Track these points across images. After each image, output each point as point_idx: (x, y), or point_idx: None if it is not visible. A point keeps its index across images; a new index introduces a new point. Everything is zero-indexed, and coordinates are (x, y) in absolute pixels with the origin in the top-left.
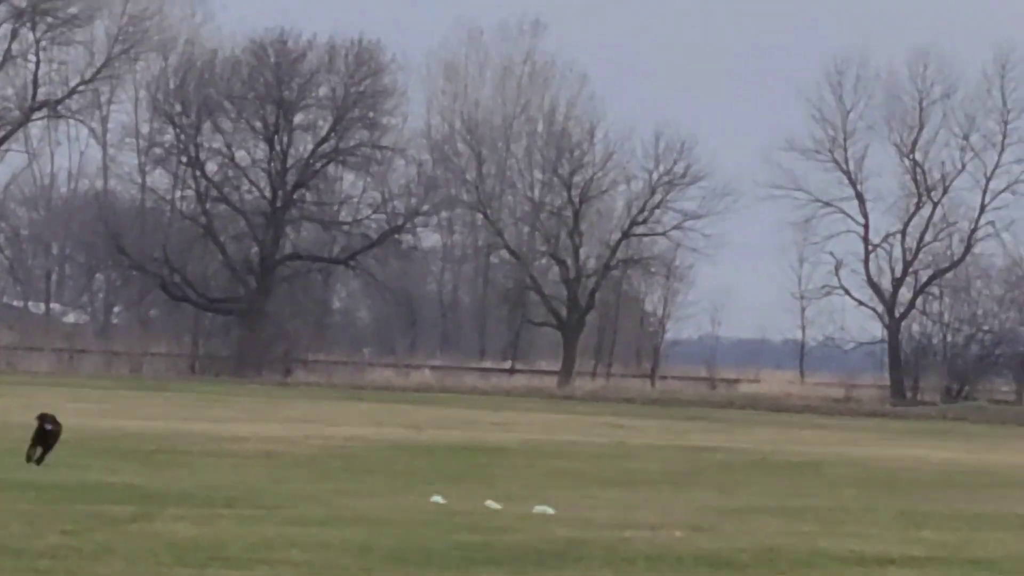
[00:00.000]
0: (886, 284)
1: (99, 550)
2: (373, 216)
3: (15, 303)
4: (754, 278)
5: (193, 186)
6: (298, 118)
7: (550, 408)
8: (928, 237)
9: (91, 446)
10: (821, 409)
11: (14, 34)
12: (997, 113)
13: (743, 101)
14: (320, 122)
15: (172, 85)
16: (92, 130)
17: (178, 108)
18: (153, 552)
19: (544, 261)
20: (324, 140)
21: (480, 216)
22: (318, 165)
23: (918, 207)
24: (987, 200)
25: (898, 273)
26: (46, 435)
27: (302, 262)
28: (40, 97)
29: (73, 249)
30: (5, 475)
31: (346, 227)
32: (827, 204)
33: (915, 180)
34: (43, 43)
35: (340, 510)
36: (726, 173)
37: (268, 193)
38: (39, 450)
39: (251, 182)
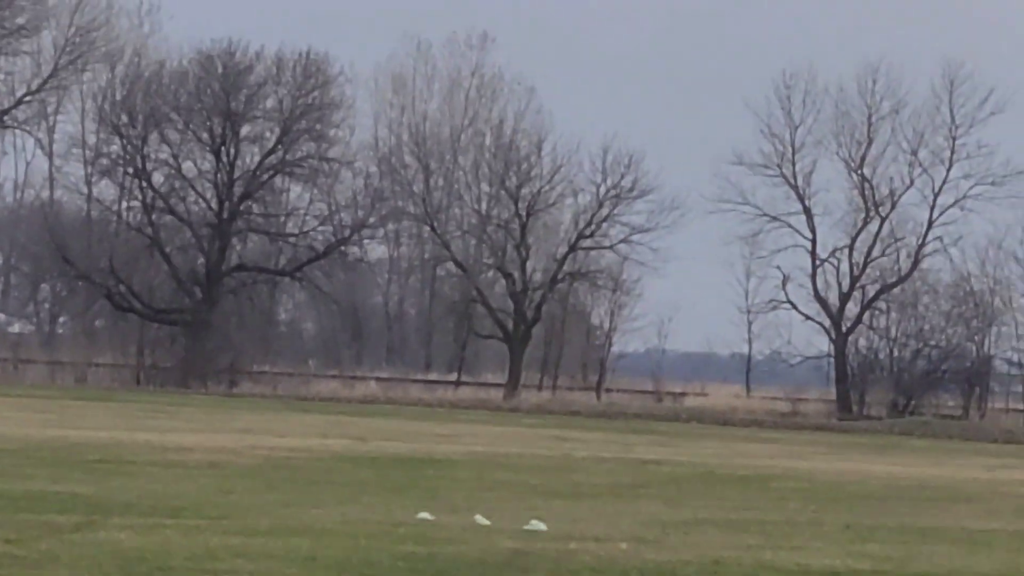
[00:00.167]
0: (833, 299)
1: (43, 559)
2: (320, 228)
3: None
4: (701, 292)
5: (140, 197)
6: (245, 130)
7: (496, 420)
8: (876, 252)
9: (35, 455)
10: (767, 423)
11: None
12: (946, 129)
13: (691, 115)
14: (267, 134)
15: (119, 96)
16: (39, 140)
17: (125, 119)
18: (97, 561)
19: (491, 274)
20: (271, 152)
21: (427, 228)
22: (265, 177)
23: (866, 222)
24: (935, 215)
25: (845, 288)
26: None
27: (248, 273)
28: None
29: (19, 259)
30: None
31: (292, 239)
32: (775, 218)
33: (863, 195)
34: None
35: (285, 520)
36: (674, 187)
37: (215, 204)
38: None
39: (198, 193)
